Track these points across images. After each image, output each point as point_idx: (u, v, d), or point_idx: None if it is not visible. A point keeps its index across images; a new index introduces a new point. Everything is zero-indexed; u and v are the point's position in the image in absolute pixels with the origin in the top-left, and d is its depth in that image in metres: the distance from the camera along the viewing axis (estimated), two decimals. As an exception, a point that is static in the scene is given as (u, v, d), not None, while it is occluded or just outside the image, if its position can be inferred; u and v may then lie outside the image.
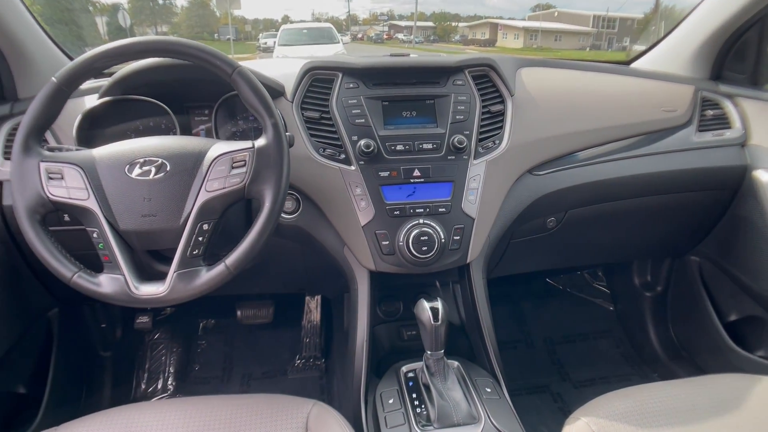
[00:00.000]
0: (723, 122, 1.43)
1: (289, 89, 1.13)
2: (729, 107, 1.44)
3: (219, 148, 0.88)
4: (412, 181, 1.09)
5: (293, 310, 1.90)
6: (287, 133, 0.93)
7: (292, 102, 1.12)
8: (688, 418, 0.88)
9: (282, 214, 1.11)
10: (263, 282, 1.49)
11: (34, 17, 1.27)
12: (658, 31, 1.69)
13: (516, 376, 1.76)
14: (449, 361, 1.04)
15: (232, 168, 0.86)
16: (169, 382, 1.79)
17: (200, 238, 0.86)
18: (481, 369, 1.10)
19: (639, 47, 1.74)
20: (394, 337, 1.25)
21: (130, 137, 0.95)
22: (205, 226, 0.86)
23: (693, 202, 1.43)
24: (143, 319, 1.74)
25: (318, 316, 1.88)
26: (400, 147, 1.09)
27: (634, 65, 1.68)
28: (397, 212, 1.07)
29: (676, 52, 1.55)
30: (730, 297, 1.56)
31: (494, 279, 1.49)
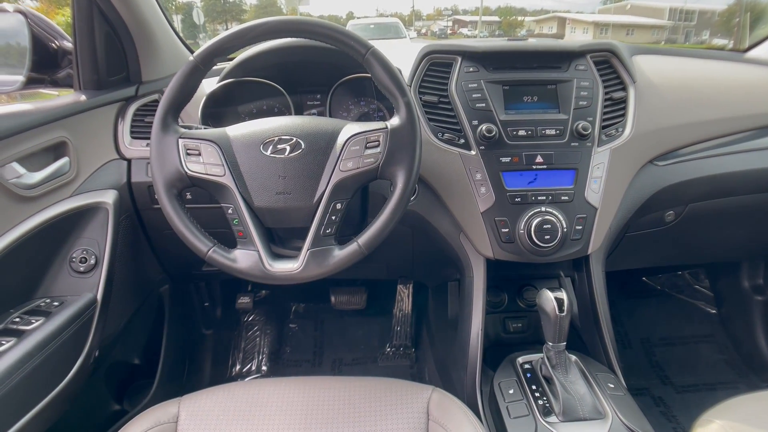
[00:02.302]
0: None
1: (406, 73, 1.14)
2: None
3: (352, 128, 0.89)
4: (534, 167, 1.07)
5: (385, 297, 1.92)
6: None
7: (410, 86, 1.12)
8: None
9: None
10: (369, 267, 1.50)
11: (161, 8, 1.34)
12: (742, 24, 1.58)
13: None
14: (569, 354, 1.02)
15: (366, 148, 0.87)
16: (263, 363, 1.84)
17: (333, 217, 0.87)
18: (599, 364, 1.06)
19: (720, 41, 1.64)
20: (499, 328, 1.24)
21: (244, 119, 0.98)
22: (338, 206, 0.87)
23: None
24: (245, 300, 1.80)
25: (409, 305, 1.88)
26: (522, 132, 1.08)
27: (751, 54, 1.58)
28: (518, 199, 1.06)
29: None
30: None
31: None
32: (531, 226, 1.03)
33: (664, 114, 1.18)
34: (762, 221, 1.40)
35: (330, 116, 1.19)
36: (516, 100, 1.11)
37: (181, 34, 1.46)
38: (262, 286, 1.90)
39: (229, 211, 0.87)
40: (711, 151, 1.24)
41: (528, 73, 1.13)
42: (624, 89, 1.16)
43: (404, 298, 1.87)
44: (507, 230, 1.05)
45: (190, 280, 1.70)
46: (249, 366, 1.85)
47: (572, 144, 1.08)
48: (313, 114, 1.25)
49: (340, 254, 0.87)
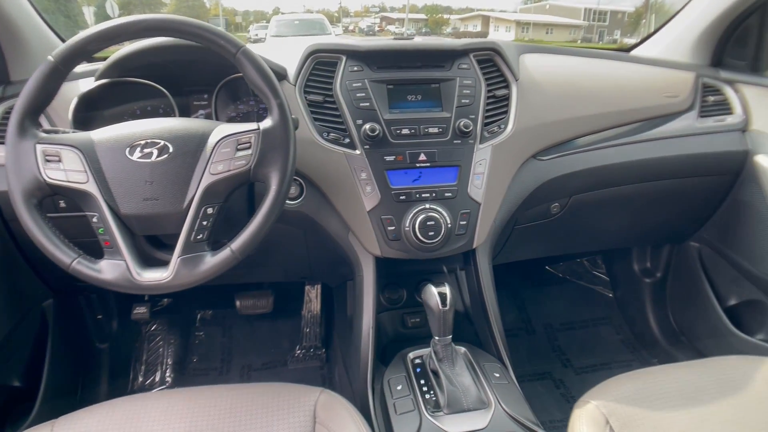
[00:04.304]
0: (724, 108, 1.43)
1: (291, 72, 1.12)
2: (730, 93, 1.45)
3: (223, 129, 0.86)
4: (417, 165, 1.08)
5: (293, 299, 1.89)
6: (292, 116, 0.92)
7: (295, 85, 1.11)
8: (695, 400, 0.89)
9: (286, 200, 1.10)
10: (264, 270, 1.47)
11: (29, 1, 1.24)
12: (648, 24, 1.68)
13: (517, 364, 1.76)
14: (457, 346, 1.04)
15: (237, 150, 0.84)
16: (167, 374, 1.77)
17: (204, 223, 0.84)
18: (488, 354, 1.09)
19: (630, 40, 1.74)
20: (398, 325, 1.24)
21: (127, 121, 0.93)
22: (210, 210, 0.84)
23: (694, 187, 1.44)
24: (140, 310, 1.72)
25: (318, 306, 1.87)
26: (405, 131, 1.08)
27: (634, 52, 1.68)
28: (403, 197, 1.06)
29: (676, 39, 1.55)
30: (731, 282, 1.57)
31: (495, 266, 1.49)
32: (416, 223, 1.04)
33: (546, 110, 1.22)
34: (642, 209, 1.49)
35: (216, 117, 1.15)
36: (400, 99, 1.12)
37: (56, 29, 1.36)
38: (163, 295, 1.83)
39: (94, 219, 0.83)
40: (591, 145, 1.29)
41: (412, 72, 1.14)
42: (507, 87, 1.19)
43: (312, 299, 1.86)
44: (393, 228, 1.06)
45: (78, 293, 1.60)
46: (152, 378, 1.78)
47: (455, 141, 1.10)
48: (201, 115, 1.20)
49: (212, 261, 0.85)
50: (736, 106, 1.43)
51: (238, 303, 1.81)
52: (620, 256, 1.95)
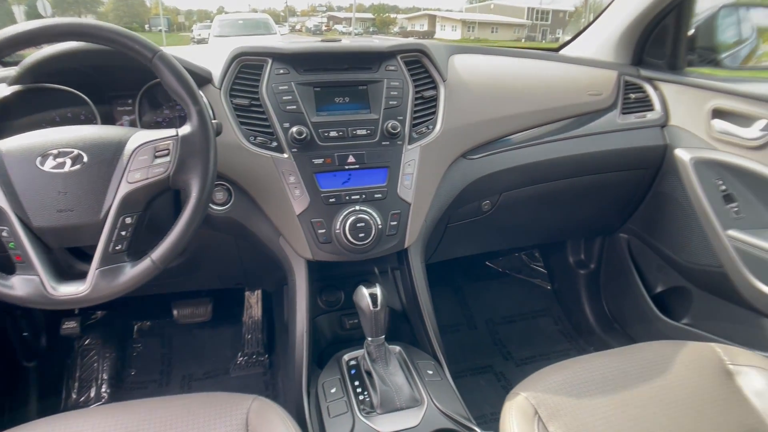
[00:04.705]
0: (645, 105, 1.50)
1: (216, 76, 1.10)
2: (650, 91, 1.52)
3: (141, 136, 0.84)
4: (346, 167, 1.08)
5: (233, 306, 1.86)
6: (215, 121, 0.90)
7: (220, 89, 1.09)
8: (619, 385, 0.93)
9: (213, 206, 1.08)
10: (198, 278, 1.44)
11: None
12: (587, 23, 1.75)
13: (460, 358, 1.79)
14: (391, 346, 1.05)
15: (155, 157, 0.82)
16: (103, 390, 1.70)
17: (123, 233, 0.82)
18: (423, 352, 1.11)
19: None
20: (336, 327, 1.24)
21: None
22: (128, 220, 0.82)
23: (619, 181, 1.50)
24: (70, 324, 1.65)
25: (259, 311, 1.84)
26: (333, 133, 1.08)
27: (562, 52, 1.73)
28: (333, 200, 1.06)
29: (600, 39, 1.61)
30: (657, 270, 1.64)
31: (435, 263, 1.51)
32: (346, 225, 1.03)
33: (473, 110, 1.24)
34: (571, 204, 1.55)
35: (141, 124, 1.12)
36: (328, 102, 1.11)
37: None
38: (95, 307, 1.76)
39: (3, 233, 0.79)
40: (519, 143, 1.33)
41: (339, 74, 1.13)
42: (434, 88, 1.20)
43: (253, 304, 1.83)
44: (324, 231, 1.05)
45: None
46: (87, 395, 1.70)
47: (383, 143, 1.10)
48: (126, 122, 1.16)
49: (132, 272, 0.82)
50: (656, 103, 1.50)
51: (175, 312, 1.77)
52: (556, 250, 2.01)
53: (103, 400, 1.68)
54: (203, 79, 1.08)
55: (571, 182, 1.43)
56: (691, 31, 1.53)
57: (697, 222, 1.39)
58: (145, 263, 0.82)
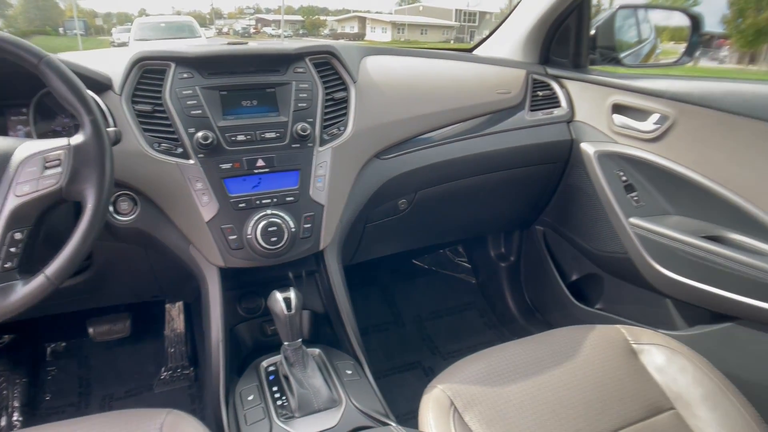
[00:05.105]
0: (552, 102, 1.57)
1: (117, 82, 1.05)
2: (556, 88, 1.59)
3: (29, 147, 0.79)
4: (256, 171, 1.06)
5: (154, 320, 1.79)
6: (113, 129, 0.86)
7: (121, 95, 1.04)
8: (531, 371, 0.96)
9: (118, 216, 1.03)
10: (110, 293, 1.38)
11: None
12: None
13: (388, 357, 1.81)
14: (311, 349, 1.05)
15: (45, 168, 0.78)
16: (15, 418, 1.59)
17: (13, 249, 0.76)
18: (343, 353, 1.11)
19: None
20: (258, 334, 1.22)
21: None
22: (18, 236, 0.76)
23: (531, 175, 1.56)
24: None
25: (182, 323, 1.78)
26: (241, 137, 1.06)
27: (475, 52, 1.78)
28: (243, 204, 1.04)
29: (510, 38, 1.67)
30: (571, 259, 1.72)
31: (361, 264, 1.52)
32: (257, 230, 1.02)
33: (385, 111, 1.26)
34: (487, 199, 1.60)
35: (36, 134, 1.05)
36: (235, 105, 1.09)
37: None
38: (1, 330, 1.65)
39: None
40: (432, 142, 1.36)
41: (246, 77, 1.11)
42: (345, 89, 1.20)
43: (174, 317, 1.76)
44: (235, 237, 1.03)
45: None
46: (-4, 424, 1.59)
47: (293, 146, 1.09)
48: (20, 132, 1.09)
49: (24, 290, 0.77)
50: (562, 100, 1.57)
51: (91, 330, 1.68)
52: (478, 244, 2.07)
53: (16, 429, 1.57)
54: (102, 85, 1.04)
55: (484, 178, 1.47)
56: (592, 32, 1.61)
57: (603, 212, 1.46)
58: (38, 280, 0.77)
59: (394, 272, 2.17)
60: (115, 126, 1.00)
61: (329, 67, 1.20)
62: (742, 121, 1.16)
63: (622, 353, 1.03)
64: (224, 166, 1.04)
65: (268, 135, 1.08)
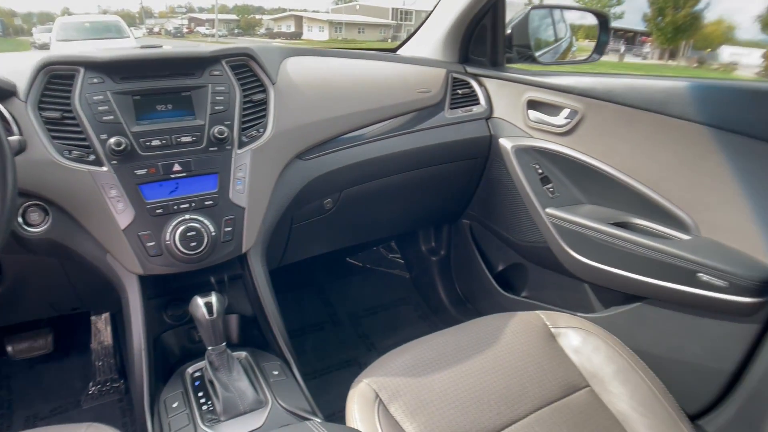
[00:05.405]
0: (471, 99, 1.63)
1: (22, 88, 1.01)
2: (475, 86, 1.65)
3: None
4: (173, 176, 1.05)
5: (79, 333, 1.73)
6: (16, 137, 0.83)
7: (27, 102, 1.00)
8: (454, 360, 1.00)
9: (28, 228, 1.00)
10: (25, 308, 1.32)
11: None
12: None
13: (324, 356, 1.82)
14: (237, 352, 1.05)
15: None
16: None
17: None
18: (270, 355, 1.11)
19: None
20: (185, 341, 1.21)
21: None
22: None
23: (454, 171, 1.61)
24: None
25: (109, 335, 1.73)
26: (156, 142, 1.04)
27: (399, 52, 1.82)
28: (160, 210, 1.03)
29: (431, 38, 1.72)
30: (496, 250, 1.79)
31: (295, 264, 1.52)
32: (176, 236, 1.01)
33: (305, 111, 1.27)
34: (413, 196, 1.64)
35: None
36: (149, 110, 1.07)
37: None
38: None
39: None
40: (354, 142, 1.38)
41: (159, 81, 1.10)
42: (264, 91, 1.21)
43: (101, 329, 1.71)
44: (153, 243, 1.02)
45: None
46: None
47: (211, 149, 1.09)
48: None
49: None
50: (481, 98, 1.64)
51: (10, 348, 1.60)
52: (410, 240, 2.11)
53: None
54: (5, 92, 0.99)
55: (409, 176, 1.51)
56: (508, 31, 1.68)
57: (522, 204, 1.53)
58: None
59: (329, 272, 2.18)
60: (21, 134, 0.96)
61: (247, 69, 1.20)
62: (642, 114, 1.25)
63: (541, 337, 1.08)
64: (139, 172, 1.02)
65: (184, 139, 1.07)
